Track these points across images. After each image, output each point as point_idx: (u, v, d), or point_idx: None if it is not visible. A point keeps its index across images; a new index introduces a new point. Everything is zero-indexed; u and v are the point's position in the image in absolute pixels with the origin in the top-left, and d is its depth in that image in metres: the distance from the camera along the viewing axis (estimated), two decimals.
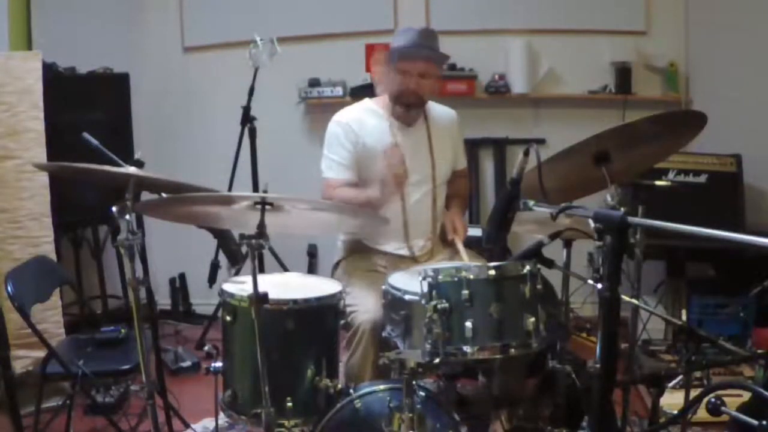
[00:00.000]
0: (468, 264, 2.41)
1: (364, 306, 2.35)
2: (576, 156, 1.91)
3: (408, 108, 2.64)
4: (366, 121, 2.68)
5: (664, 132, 1.94)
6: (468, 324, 1.86)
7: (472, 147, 4.21)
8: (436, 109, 2.81)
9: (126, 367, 2.51)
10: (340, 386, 2.09)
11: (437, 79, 2.70)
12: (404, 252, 2.69)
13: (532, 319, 1.88)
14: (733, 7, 3.89)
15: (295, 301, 2.08)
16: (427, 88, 2.63)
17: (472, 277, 1.89)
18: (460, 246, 2.60)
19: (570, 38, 4.32)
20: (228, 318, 2.12)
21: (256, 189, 3.83)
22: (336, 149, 2.64)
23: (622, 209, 1.56)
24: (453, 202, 2.84)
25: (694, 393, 1.94)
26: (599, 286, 1.47)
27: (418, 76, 2.58)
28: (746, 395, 1.90)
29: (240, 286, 2.10)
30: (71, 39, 4.17)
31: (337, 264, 2.75)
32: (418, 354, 1.89)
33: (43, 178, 3.23)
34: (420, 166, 2.68)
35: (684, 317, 3.65)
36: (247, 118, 3.92)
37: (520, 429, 2.33)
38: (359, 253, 2.71)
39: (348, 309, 2.32)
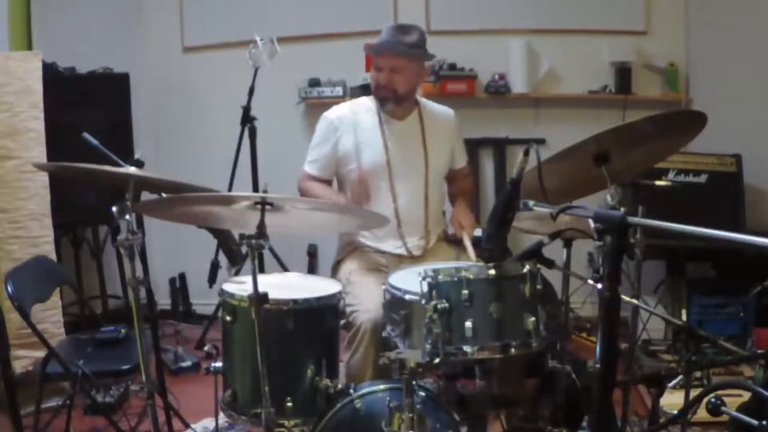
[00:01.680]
0: (468, 264, 2.41)
1: (365, 306, 2.35)
2: (576, 156, 1.91)
3: (384, 101, 2.69)
4: (356, 116, 2.75)
5: (664, 132, 1.94)
6: (468, 324, 1.86)
7: (472, 147, 4.20)
8: (433, 106, 2.84)
9: (126, 367, 2.51)
10: (340, 386, 2.09)
11: (417, 71, 2.71)
12: (402, 251, 2.69)
13: (532, 319, 1.88)
14: (733, 7, 3.89)
15: (295, 301, 2.08)
16: (400, 83, 2.65)
17: (472, 276, 1.89)
18: (467, 243, 2.59)
19: (570, 38, 4.32)
20: (228, 318, 2.12)
21: (256, 189, 3.83)
22: (317, 146, 2.77)
23: (622, 209, 1.56)
24: (458, 199, 2.85)
25: (694, 393, 1.94)
26: (599, 286, 1.47)
27: (390, 71, 2.63)
28: (746, 395, 1.90)
29: (240, 286, 2.10)
30: (71, 39, 4.18)
31: (338, 264, 2.75)
32: (418, 354, 1.89)
33: (43, 178, 3.23)
34: (411, 160, 2.71)
35: (684, 317, 3.65)
36: (247, 118, 3.92)
37: (520, 429, 2.33)
38: (359, 253, 2.71)
39: (348, 309, 2.32)
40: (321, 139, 2.76)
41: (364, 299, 2.38)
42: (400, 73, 2.64)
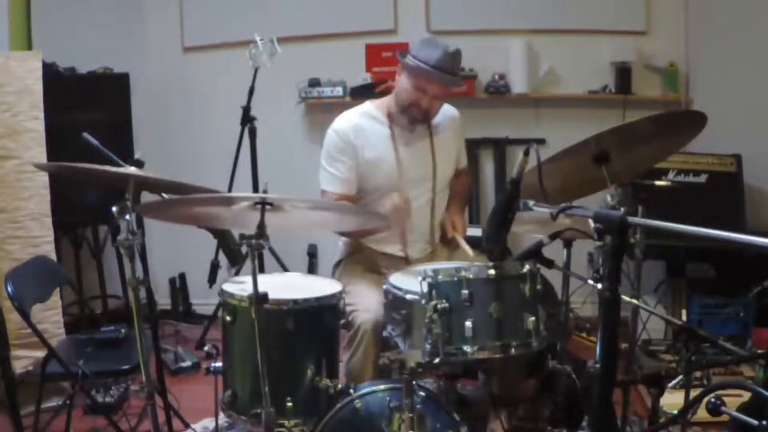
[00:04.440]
0: (468, 264, 2.41)
1: (364, 305, 2.35)
2: (576, 156, 1.91)
3: (414, 121, 2.60)
4: (366, 128, 2.63)
5: (664, 132, 1.95)
6: (468, 324, 1.86)
7: (472, 147, 4.20)
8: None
9: (126, 367, 2.51)
10: (340, 386, 2.09)
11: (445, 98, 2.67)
12: (403, 254, 2.68)
13: (532, 319, 1.88)
14: (733, 7, 3.89)
15: (295, 301, 2.08)
16: (437, 108, 2.60)
17: (471, 276, 1.89)
18: (461, 241, 2.59)
19: (570, 38, 4.32)
20: (228, 318, 2.12)
21: (256, 189, 3.83)
22: (333, 162, 2.60)
23: (622, 209, 1.56)
24: (452, 201, 2.81)
25: (694, 393, 1.94)
26: (599, 286, 1.47)
27: (434, 97, 2.54)
28: (746, 395, 1.90)
29: (240, 286, 2.10)
30: (71, 39, 4.18)
31: (338, 264, 2.75)
32: (418, 354, 1.89)
33: (43, 178, 3.23)
34: (420, 171, 2.65)
35: (684, 317, 3.64)
36: (247, 118, 3.92)
37: (520, 429, 2.33)
38: (360, 254, 2.71)
39: (348, 309, 2.32)
40: (339, 153, 2.58)
41: (364, 299, 2.38)
42: (441, 99, 2.59)
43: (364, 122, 2.65)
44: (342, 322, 2.25)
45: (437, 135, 2.70)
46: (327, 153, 2.62)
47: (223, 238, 2.41)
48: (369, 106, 2.71)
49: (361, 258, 2.69)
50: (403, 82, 2.57)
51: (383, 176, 2.61)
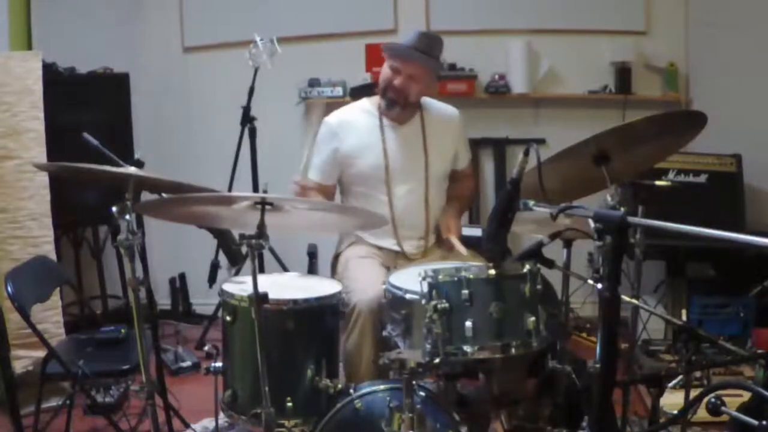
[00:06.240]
0: (468, 264, 2.41)
1: (360, 287, 2.36)
2: (576, 156, 1.91)
3: (392, 104, 2.65)
4: (355, 120, 2.72)
5: (664, 132, 1.94)
6: (468, 324, 1.86)
7: (472, 147, 4.16)
8: (436, 106, 2.81)
9: (126, 367, 2.51)
10: (340, 386, 2.09)
11: (431, 83, 2.71)
12: (398, 249, 2.69)
13: (533, 319, 1.88)
14: (733, 7, 3.89)
15: (295, 301, 2.09)
16: (414, 90, 2.63)
17: (472, 276, 1.89)
18: (455, 241, 2.60)
19: (570, 38, 4.32)
20: (228, 318, 2.12)
21: (256, 189, 3.83)
22: (317, 151, 2.73)
23: (622, 209, 1.56)
24: (451, 203, 2.83)
25: (694, 393, 1.94)
26: (599, 286, 1.46)
27: (407, 77, 2.60)
28: (746, 395, 1.90)
29: (240, 286, 2.10)
30: (71, 39, 4.18)
31: (337, 256, 2.77)
32: (418, 354, 1.89)
33: (43, 178, 3.23)
34: (410, 165, 2.69)
35: (684, 317, 3.64)
36: (247, 118, 3.93)
37: (520, 429, 2.33)
38: (358, 246, 2.72)
39: (345, 293, 2.32)
40: (321, 144, 2.73)
41: (360, 282, 2.39)
42: (417, 82, 2.62)
43: (354, 114, 2.75)
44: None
45: (431, 130, 2.73)
46: (317, 140, 2.74)
47: (223, 238, 2.41)
48: (364, 101, 2.81)
49: (359, 248, 2.71)
50: (383, 68, 2.68)
51: (368, 164, 2.67)
